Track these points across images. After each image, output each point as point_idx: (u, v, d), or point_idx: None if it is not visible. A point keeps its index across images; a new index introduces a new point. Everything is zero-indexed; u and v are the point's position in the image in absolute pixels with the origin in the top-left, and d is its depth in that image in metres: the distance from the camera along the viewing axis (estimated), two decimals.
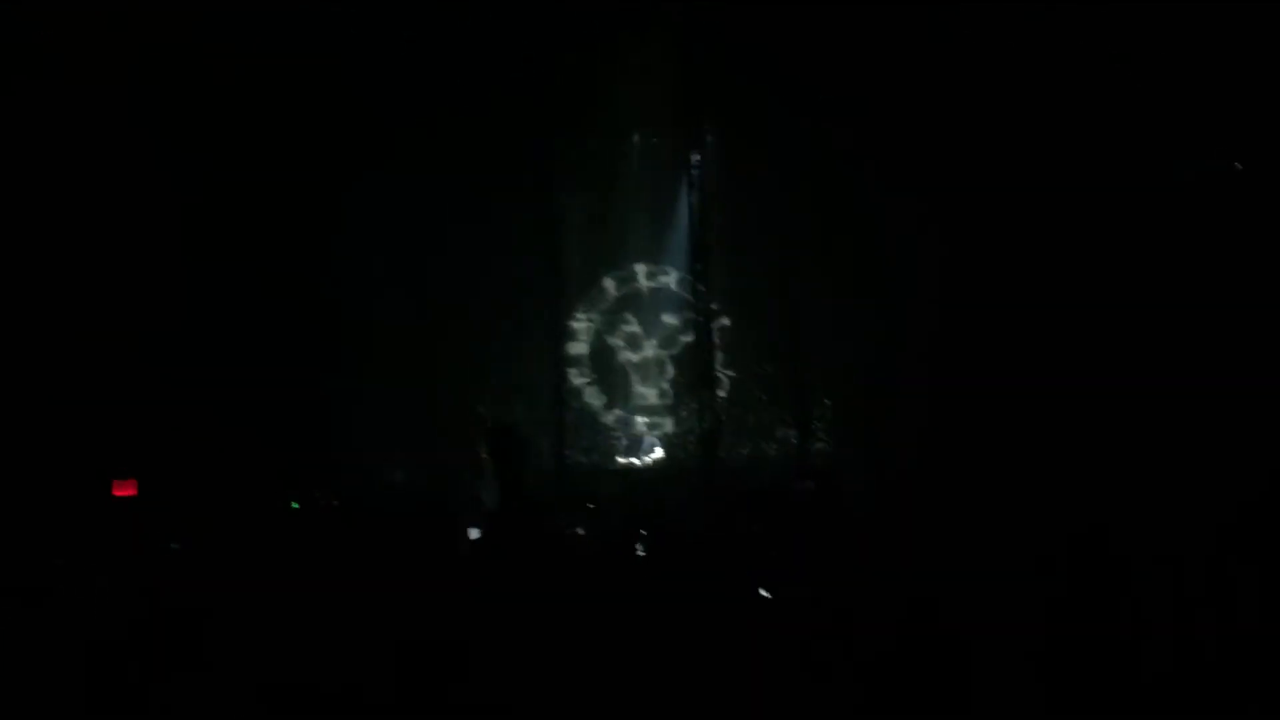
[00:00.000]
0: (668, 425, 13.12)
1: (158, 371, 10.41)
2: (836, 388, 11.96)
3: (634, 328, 13.39)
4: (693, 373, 12.79)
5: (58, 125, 9.98)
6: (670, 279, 13.33)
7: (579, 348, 13.27)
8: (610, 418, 13.23)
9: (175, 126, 10.79)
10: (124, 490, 8.54)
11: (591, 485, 11.18)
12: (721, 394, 12.46)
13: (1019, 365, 9.88)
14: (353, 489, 10.97)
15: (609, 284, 13.38)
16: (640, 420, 13.21)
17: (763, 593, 4.26)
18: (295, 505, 10.09)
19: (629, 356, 13.37)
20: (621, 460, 12.63)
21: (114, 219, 10.44)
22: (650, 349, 13.35)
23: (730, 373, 12.65)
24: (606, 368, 13.34)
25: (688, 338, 13.00)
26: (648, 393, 13.32)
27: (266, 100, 11.01)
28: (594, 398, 13.31)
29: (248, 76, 10.84)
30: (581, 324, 13.29)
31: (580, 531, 7.23)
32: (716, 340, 12.50)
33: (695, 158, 12.36)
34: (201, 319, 10.77)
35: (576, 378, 13.23)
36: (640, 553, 5.99)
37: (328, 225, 11.68)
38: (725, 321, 12.72)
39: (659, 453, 12.78)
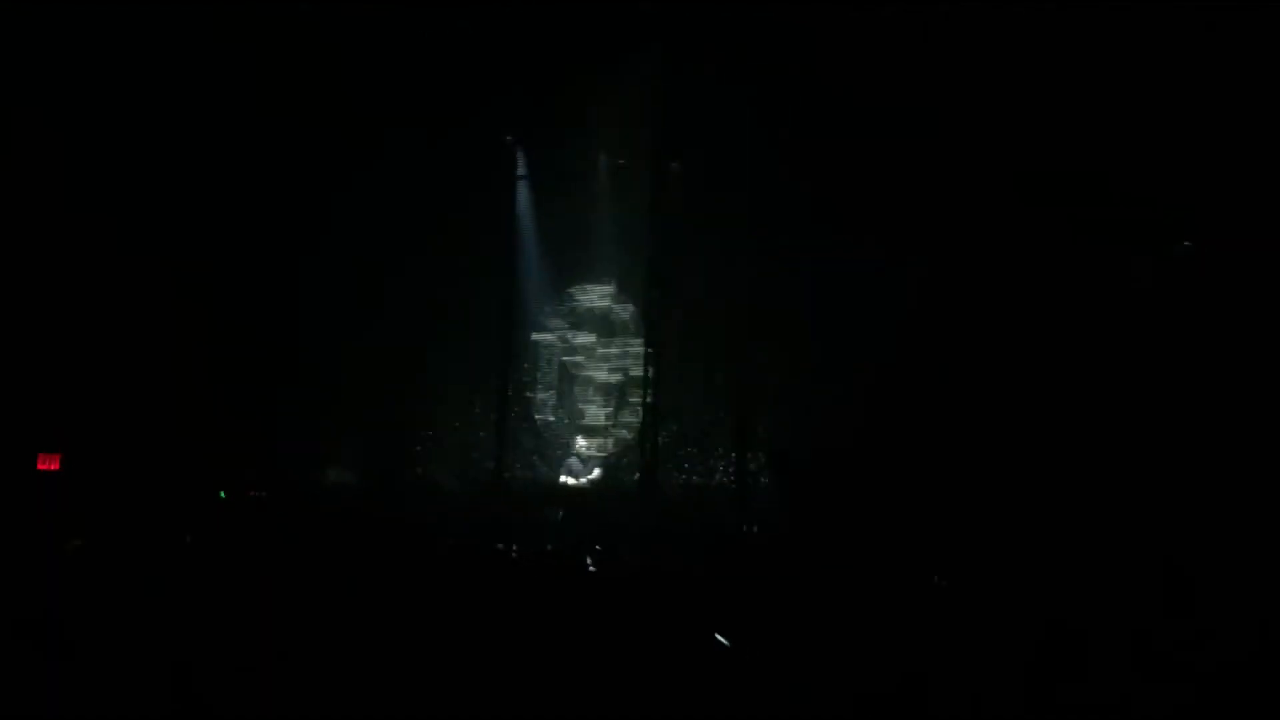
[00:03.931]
0: (609, 447, 13.03)
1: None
2: (778, 429, 11.91)
3: (587, 347, 13.33)
4: (638, 399, 12.73)
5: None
6: (627, 304, 13.29)
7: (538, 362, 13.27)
8: (555, 435, 13.15)
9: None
10: (48, 464, 8.18)
11: (535, 501, 11.06)
12: (663, 423, 12.32)
13: (961, 408, 10.05)
14: (285, 482, 10.81)
15: (570, 302, 13.36)
16: (582, 441, 13.10)
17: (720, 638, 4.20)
18: (222, 495, 9.84)
19: (579, 375, 13.29)
20: (564, 479, 12.44)
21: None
22: (600, 371, 13.27)
23: (674, 402, 12.49)
24: (558, 384, 13.30)
25: (636, 363, 12.92)
26: (592, 413, 13.23)
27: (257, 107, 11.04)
28: (546, 413, 13.23)
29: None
30: (543, 337, 13.27)
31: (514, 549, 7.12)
32: (663, 369, 12.34)
33: (661, 183, 12.28)
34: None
35: (533, 391, 13.20)
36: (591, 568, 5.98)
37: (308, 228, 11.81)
38: (674, 351, 12.54)
39: (596, 474, 12.62)
